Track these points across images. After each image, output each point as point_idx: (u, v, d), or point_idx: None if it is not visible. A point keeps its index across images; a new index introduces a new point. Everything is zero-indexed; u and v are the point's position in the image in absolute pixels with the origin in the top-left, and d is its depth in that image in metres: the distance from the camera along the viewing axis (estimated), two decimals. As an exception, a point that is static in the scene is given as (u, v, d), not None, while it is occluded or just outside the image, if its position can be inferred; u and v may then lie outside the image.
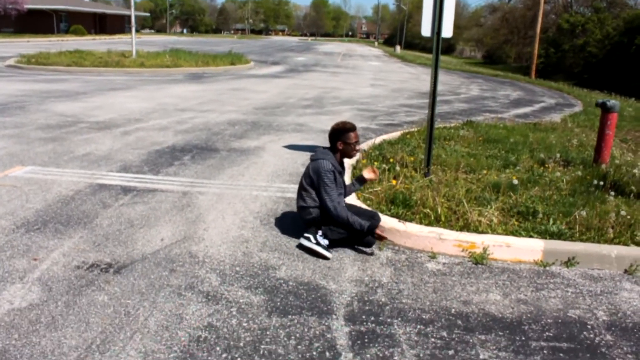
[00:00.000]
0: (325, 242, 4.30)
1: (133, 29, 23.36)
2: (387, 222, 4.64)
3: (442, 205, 4.93)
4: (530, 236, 4.51)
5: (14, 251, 4.08)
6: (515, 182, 5.55)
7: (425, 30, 5.86)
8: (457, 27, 71.36)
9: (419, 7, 79.75)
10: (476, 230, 4.56)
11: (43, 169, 6.32)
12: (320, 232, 4.33)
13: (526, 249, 4.36)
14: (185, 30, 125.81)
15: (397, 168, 6.09)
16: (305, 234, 4.32)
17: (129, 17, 65.29)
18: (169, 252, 4.18)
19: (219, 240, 4.48)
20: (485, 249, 4.35)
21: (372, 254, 4.38)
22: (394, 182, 5.56)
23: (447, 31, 5.80)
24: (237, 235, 4.60)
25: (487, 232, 4.53)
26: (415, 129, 9.05)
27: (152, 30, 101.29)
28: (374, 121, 11.09)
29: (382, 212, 4.87)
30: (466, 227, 4.60)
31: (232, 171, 6.68)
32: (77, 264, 3.91)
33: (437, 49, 5.86)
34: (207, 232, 4.63)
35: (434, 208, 4.87)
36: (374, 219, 4.39)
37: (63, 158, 6.85)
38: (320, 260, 4.20)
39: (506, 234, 4.52)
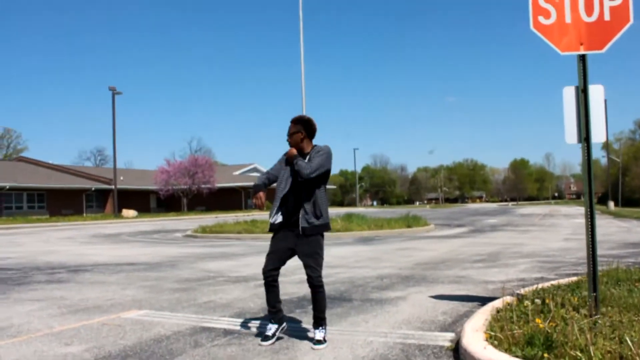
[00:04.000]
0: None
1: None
2: (513, 364, 3.85)
3: (600, 346, 3.99)
4: None
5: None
6: None
7: (570, 137, 5.32)
8: None
9: (636, 158, 75.00)
10: (644, 379, 3.55)
11: (156, 313, 6.61)
12: None
13: None
14: (375, 203, 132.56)
15: (552, 306, 5.21)
16: None
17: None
18: (234, 393, 3.88)
19: (297, 384, 4.08)
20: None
21: None
22: (538, 321, 4.71)
23: (599, 135, 5.20)
24: (322, 380, 4.16)
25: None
26: (600, 274, 7.87)
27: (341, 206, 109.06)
28: (554, 272, 9.98)
29: (511, 353, 4.08)
30: (628, 375, 3.62)
31: (357, 318, 6.32)
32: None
33: (588, 158, 5.23)
34: (289, 375, 4.27)
35: (586, 349, 3.96)
36: None
37: (182, 304, 7.15)
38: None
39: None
